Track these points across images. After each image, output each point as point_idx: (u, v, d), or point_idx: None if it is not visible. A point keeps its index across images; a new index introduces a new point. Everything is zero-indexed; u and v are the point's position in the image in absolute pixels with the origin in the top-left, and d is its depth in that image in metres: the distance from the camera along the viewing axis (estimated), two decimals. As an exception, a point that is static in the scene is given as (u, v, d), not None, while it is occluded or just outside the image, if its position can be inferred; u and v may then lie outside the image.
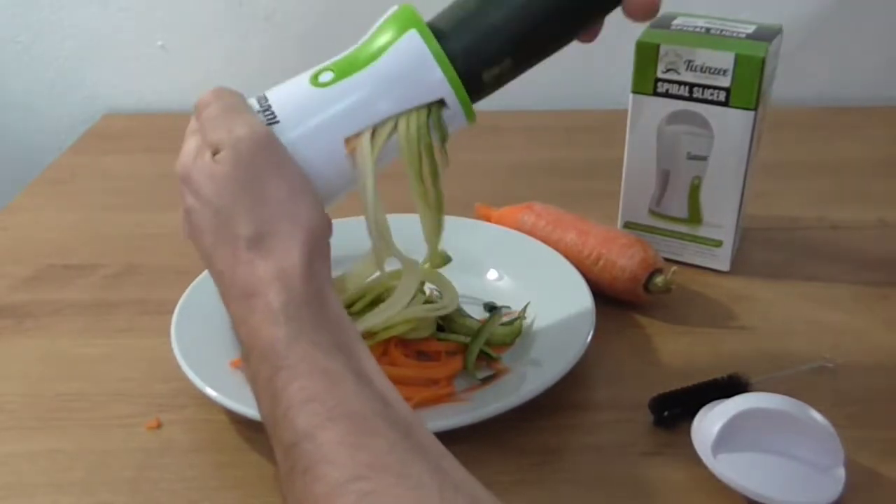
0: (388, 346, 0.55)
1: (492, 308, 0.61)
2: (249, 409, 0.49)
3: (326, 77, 0.46)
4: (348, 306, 0.58)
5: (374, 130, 0.46)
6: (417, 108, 0.46)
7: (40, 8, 1.01)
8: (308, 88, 0.46)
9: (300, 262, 0.41)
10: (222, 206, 0.42)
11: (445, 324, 0.58)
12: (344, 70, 0.46)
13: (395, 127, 0.46)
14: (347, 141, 0.46)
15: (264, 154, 0.43)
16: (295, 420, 0.36)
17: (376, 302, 0.56)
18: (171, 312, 0.58)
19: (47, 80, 1.05)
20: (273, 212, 0.42)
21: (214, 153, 0.43)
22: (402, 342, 0.56)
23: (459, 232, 0.69)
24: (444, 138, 0.47)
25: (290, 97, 0.46)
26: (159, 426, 0.53)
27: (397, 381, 0.53)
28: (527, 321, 0.60)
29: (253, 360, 0.40)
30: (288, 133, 0.45)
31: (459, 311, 0.59)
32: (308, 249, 0.42)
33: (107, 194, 0.80)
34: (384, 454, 0.34)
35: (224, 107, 0.45)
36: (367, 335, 0.54)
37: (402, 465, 0.34)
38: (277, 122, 0.45)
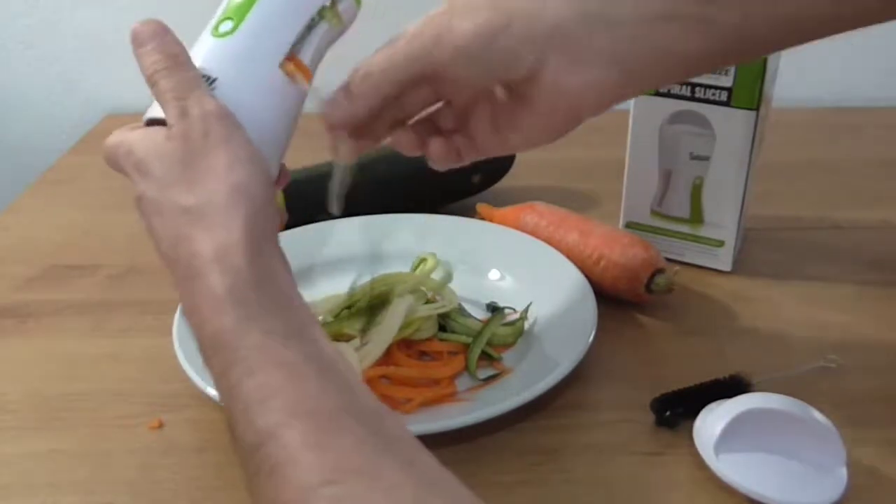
0: (391, 348, 0.55)
1: (494, 308, 0.61)
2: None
3: (227, 26, 0.46)
4: (347, 307, 0.58)
5: (298, 43, 0.46)
6: (321, 8, 0.47)
7: (42, 9, 1.01)
8: (221, 42, 0.46)
9: (243, 238, 0.38)
10: (170, 182, 0.40)
11: (447, 324, 0.58)
12: (239, 12, 0.46)
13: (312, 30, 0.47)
14: (282, 68, 0.46)
15: (215, 129, 0.41)
16: (255, 420, 0.34)
17: (374, 304, 0.56)
18: (173, 312, 0.58)
19: (49, 81, 1.05)
20: (214, 184, 0.39)
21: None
22: (405, 343, 0.56)
23: (462, 232, 0.69)
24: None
25: (212, 55, 0.46)
26: (161, 426, 0.53)
27: (399, 382, 0.54)
28: (528, 321, 0.60)
29: (205, 352, 0.38)
30: (228, 90, 0.44)
31: (461, 312, 0.59)
32: (251, 222, 0.38)
33: (109, 195, 0.80)
34: (354, 454, 0.32)
35: (176, 80, 0.42)
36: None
37: (373, 466, 0.32)
38: (216, 79, 0.44)
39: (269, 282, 0.38)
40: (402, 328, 0.55)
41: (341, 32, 0.50)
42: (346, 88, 0.47)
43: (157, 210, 0.40)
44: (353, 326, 0.56)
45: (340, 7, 0.48)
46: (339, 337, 0.56)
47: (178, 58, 0.43)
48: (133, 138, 0.43)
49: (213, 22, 0.47)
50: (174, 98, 0.42)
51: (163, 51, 0.43)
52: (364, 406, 0.35)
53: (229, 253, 0.38)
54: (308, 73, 0.47)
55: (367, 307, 0.56)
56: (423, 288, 0.59)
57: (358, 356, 0.53)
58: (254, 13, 0.46)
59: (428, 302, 0.58)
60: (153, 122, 0.44)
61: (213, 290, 0.37)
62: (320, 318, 0.57)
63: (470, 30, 0.43)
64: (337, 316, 0.57)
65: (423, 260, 0.64)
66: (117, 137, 0.44)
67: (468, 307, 0.61)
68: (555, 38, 0.43)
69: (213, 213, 0.39)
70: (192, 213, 0.39)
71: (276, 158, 0.47)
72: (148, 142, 0.42)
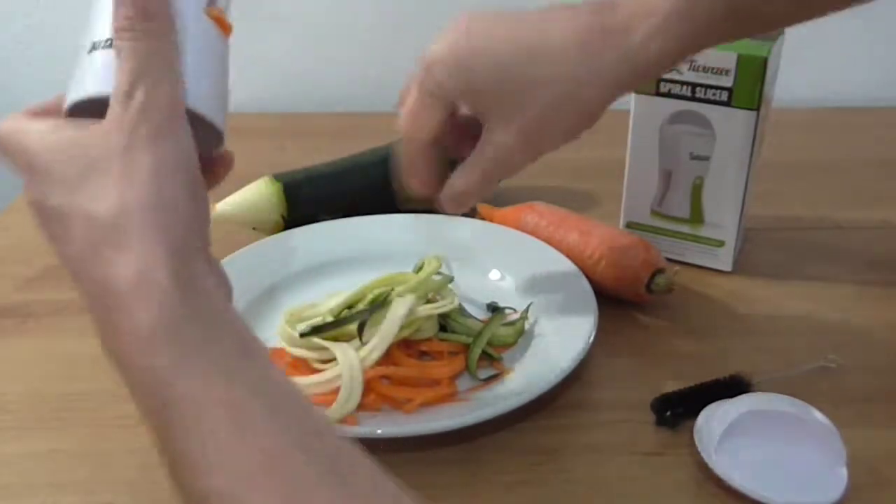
0: (391, 347, 0.55)
1: (494, 308, 0.61)
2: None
3: None
4: (348, 307, 0.58)
5: None
6: None
7: (42, 9, 1.01)
8: None
9: (167, 259, 0.32)
10: (78, 185, 0.34)
11: (447, 324, 0.58)
12: None
13: None
14: (208, 14, 0.41)
15: (150, 124, 0.34)
16: (196, 468, 0.30)
17: (375, 304, 0.56)
18: (173, 312, 0.58)
19: (50, 81, 1.05)
20: (131, 193, 0.33)
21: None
22: (405, 342, 0.56)
23: (462, 232, 0.69)
24: None
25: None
26: (161, 426, 0.53)
27: (399, 382, 0.54)
28: (529, 321, 0.60)
29: (133, 392, 0.32)
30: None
31: (461, 312, 0.59)
32: (176, 239, 0.33)
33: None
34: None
35: (143, 51, 0.36)
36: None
37: None
38: None
39: (202, 308, 0.33)
40: (402, 328, 0.55)
41: None
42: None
43: (60, 218, 0.34)
44: (353, 326, 0.56)
45: None
46: (339, 336, 0.55)
47: (154, 19, 0.36)
48: (34, 130, 0.37)
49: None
50: (128, 72, 0.35)
51: (142, 5, 0.36)
52: (318, 441, 0.32)
53: (153, 279, 0.32)
54: (227, 25, 0.43)
55: (367, 307, 0.56)
56: (424, 288, 0.59)
57: (358, 356, 0.53)
58: None
59: (429, 302, 0.58)
60: (78, 107, 0.39)
61: (139, 326, 0.31)
62: (320, 319, 0.57)
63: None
64: (338, 316, 0.57)
65: (426, 261, 0.64)
66: (12, 125, 0.38)
67: (468, 307, 0.61)
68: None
69: (130, 228, 0.32)
70: (105, 227, 0.33)
71: (223, 111, 0.42)
72: (54, 136, 0.36)
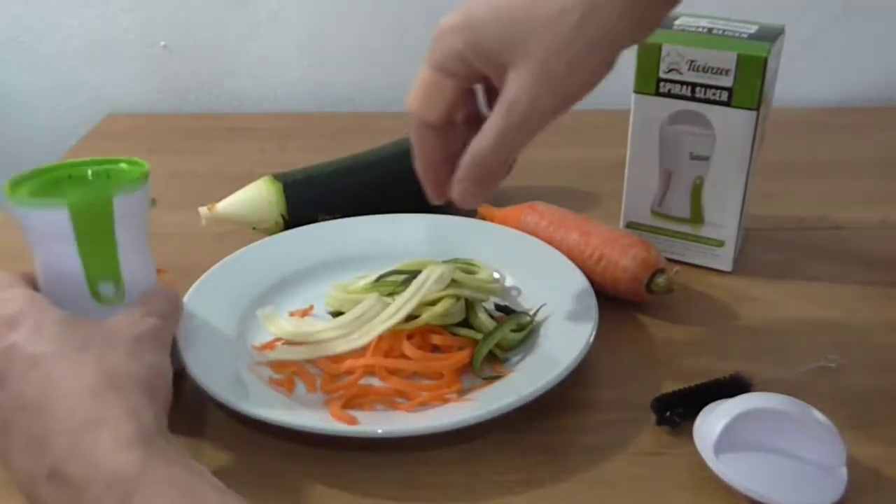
0: (401, 337, 0.56)
1: (507, 311, 0.61)
2: (251, 410, 0.49)
3: (108, 290, 0.47)
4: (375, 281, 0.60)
5: None
6: None
7: (42, 8, 1.01)
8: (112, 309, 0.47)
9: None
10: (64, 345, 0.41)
11: (468, 316, 0.58)
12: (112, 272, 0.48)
13: None
14: None
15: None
16: None
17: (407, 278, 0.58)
18: (173, 312, 0.58)
19: (50, 81, 1.05)
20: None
21: None
22: (421, 334, 0.57)
23: (461, 232, 0.69)
24: None
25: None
26: (161, 426, 0.53)
27: (402, 374, 0.54)
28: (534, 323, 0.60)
29: (87, 498, 0.37)
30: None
31: (482, 306, 0.59)
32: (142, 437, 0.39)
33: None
34: None
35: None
36: (410, 318, 0.56)
37: None
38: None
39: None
40: (431, 305, 0.56)
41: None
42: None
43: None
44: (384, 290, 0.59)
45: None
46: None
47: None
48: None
49: (84, 286, 0.46)
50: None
51: None
52: None
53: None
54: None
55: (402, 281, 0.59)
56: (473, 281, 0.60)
57: (386, 313, 0.55)
58: (125, 270, 0.47)
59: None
60: None
61: (119, 434, 0.38)
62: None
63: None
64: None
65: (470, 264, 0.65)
66: None
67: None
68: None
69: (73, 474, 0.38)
70: (53, 475, 0.38)
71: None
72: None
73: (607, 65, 0.45)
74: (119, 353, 0.42)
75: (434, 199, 0.52)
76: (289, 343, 0.57)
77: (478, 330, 0.57)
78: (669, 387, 0.53)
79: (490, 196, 0.51)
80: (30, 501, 0.39)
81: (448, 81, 0.47)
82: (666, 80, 0.64)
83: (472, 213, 0.72)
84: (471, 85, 0.49)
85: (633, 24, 0.45)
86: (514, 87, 0.45)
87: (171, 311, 0.48)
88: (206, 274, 0.62)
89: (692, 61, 0.62)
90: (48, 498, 0.37)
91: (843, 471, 0.46)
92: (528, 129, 0.46)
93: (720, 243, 0.67)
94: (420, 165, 0.51)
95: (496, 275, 0.64)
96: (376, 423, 0.50)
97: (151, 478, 0.36)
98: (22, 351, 0.40)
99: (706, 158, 0.65)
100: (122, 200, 0.46)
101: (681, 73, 0.63)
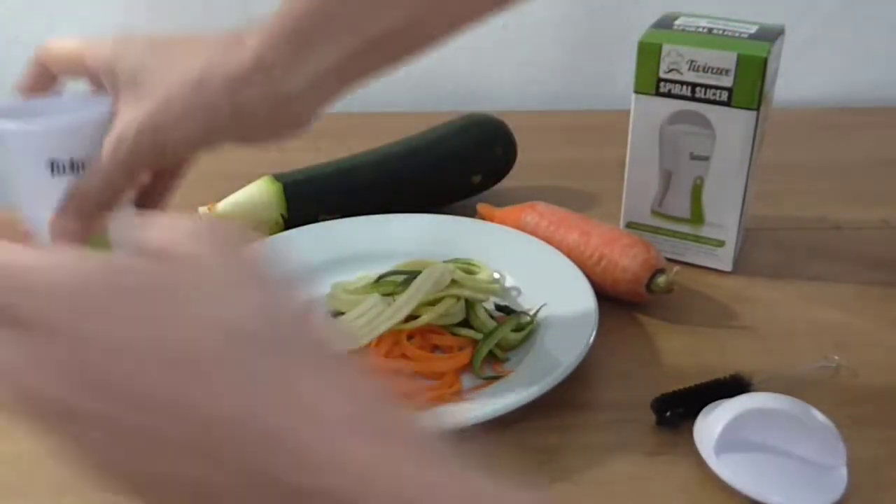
0: (400, 338, 0.56)
1: (508, 311, 0.61)
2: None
3: None
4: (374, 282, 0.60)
5: None
6: None
7: (41, 7, 1.01)
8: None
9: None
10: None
11: (469, 315, 0.58)
12: None
13: None
14: None
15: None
16: None
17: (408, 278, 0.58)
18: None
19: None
20: None
21: None
22: (421, 334, 0.57)
23: (461, 232, 0.69)
24: None
25: None
26: (161, 426, 0.53)
27: (403, 374, 0.54)
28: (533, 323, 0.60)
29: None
30: None
31: (482, 306, 0.59)
32: None
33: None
34: None
35: None
36: (410, 319, 0.56)
37: None
38: None
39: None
40: (431, 305, 0.56)
41: None
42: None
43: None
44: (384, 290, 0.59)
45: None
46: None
47: None
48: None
49: None
50: None
51: None
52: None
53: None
54: None
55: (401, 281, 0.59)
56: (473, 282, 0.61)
57: (386, 313, 0.55)
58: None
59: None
60: None
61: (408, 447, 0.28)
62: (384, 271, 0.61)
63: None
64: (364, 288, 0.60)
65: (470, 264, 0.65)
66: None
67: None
68: None
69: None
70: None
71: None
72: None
73: (210, 128, 0.43)
74: None
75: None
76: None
77: (478, 330, 0.57)
78: (669, 387, 0.53)
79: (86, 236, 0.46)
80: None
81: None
82: (666, 80, 0.63)
83: (472, 214, 0.72)
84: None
85: (232, 113, 0.43)
86: (122, 113, 0.43)
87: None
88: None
89: (692, 61, 0.62)
90: None
91: (843, 471, 0.46)
92: (124, 162, 0.43)
93: (720, 243, 0.67)
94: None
95: (496, 275, 0.64)
96: (376, 423, 0.50)
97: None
98: None
99: (706, 158, 0.65)
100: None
101: (681, 73, 0.63)
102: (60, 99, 0.51)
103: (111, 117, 0.45)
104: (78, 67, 0.46)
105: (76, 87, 0.48)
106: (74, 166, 0.45)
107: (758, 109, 0.62)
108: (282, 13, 0.43)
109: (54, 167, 0.46)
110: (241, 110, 0.43)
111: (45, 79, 0.48)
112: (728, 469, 0.47)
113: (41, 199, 0.47)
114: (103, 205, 0.43)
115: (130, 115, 0.43)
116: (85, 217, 0.43)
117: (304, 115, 0.45)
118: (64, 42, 0.46)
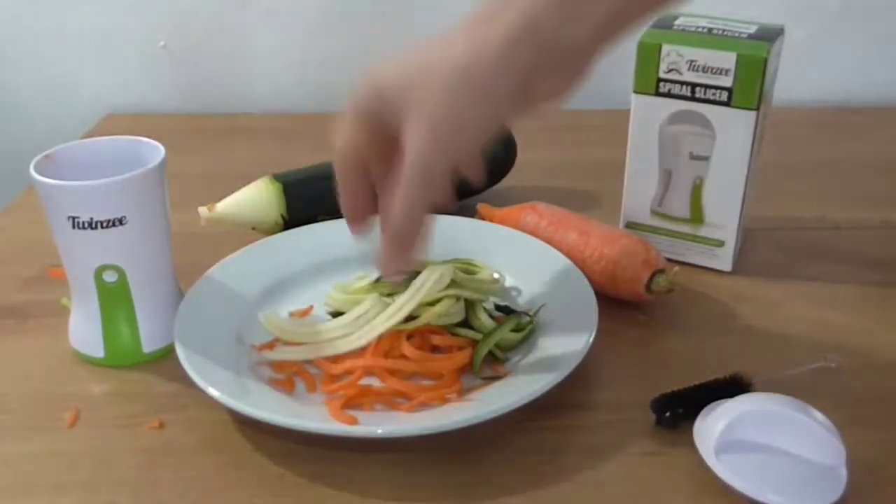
0: (400, 338, 0.56)
1: (508, 310, 0.61)
2: (251, 410, 0.49)
3: None
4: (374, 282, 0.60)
5: None
6: None
7: (42, 8, 1.01)
8: None
9: None
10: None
11: (469, 316, 0.58)
12: None
13: None
14: None
15: None
16: None
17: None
18: (173, 312, 0.58)
19: (50, 80, 1.05)
20: None
21: None
22: (421, 334, 0.57)
23: (461, 232, 0.69)
24: None
25: None
26: (161, 426, 0.53)
27: (402, 374, 0.54)
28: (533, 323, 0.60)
29: None
30: None
31: (482, 306, 0.59)
32: None
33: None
34: None
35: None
36: (410, 319, 0.56)
37: None
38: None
39: None
40: (431, 305, 0.56)
41: None
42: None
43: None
44: (384, 290, 0.59)
45: None
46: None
47: None
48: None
49: None
50: None
51: None
52: None
53: None
54: None
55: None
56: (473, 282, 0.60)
57: (386, 313, 0.55)
58: None
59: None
60: None
61: None
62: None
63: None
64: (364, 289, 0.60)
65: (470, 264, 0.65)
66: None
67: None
68: None
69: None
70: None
71: None
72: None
73: (493, 122, 0.45)
74: None
75: (353, 232, 0.52)
76: (289, 343, 0.57)
77: (478, 330, 0.57)
78: (669, 387, 0.53)
79: (411, 263, 0.49)
80: None
81: (358, 116, 0.48)
82: (666, 80, 0.64)
83: (471, 214, 0.72)
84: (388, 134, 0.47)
85: (512, 83, 0.44)
86: (409, 146, 0.44)
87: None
88: (206, 274, 0.62)
89: (692, 61, 0.62)
90: None
91: (843, 471, 0.46)
92: (426, 187, 0.45)
93: (720, 243, 0.67)
94: (341, 199, 0.51)
95: (496, 275, 0.64)
96: (376, 423, 0.50)
97: None
98: None
99: (706, 158, 0.65)
100: None
101: (681, 73, 0.63)
102: (117, 144, 0.57)
103: (155, 173, 0.50)
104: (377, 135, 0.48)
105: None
106: (94, 224, 0.50)
107: (758, 109, 0.62)
108: None
109: (74, 223, 0.50)
110: (517, 78, 0.44)
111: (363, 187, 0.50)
112: (728, 469, 0.47)
113: (65, 248, 0.54)
114: (413, 231, 0.46)
115: (413, 139, 0.44)
116: (407, 252, 0.48)
117: (585, 67, 0.46)
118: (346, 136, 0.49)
